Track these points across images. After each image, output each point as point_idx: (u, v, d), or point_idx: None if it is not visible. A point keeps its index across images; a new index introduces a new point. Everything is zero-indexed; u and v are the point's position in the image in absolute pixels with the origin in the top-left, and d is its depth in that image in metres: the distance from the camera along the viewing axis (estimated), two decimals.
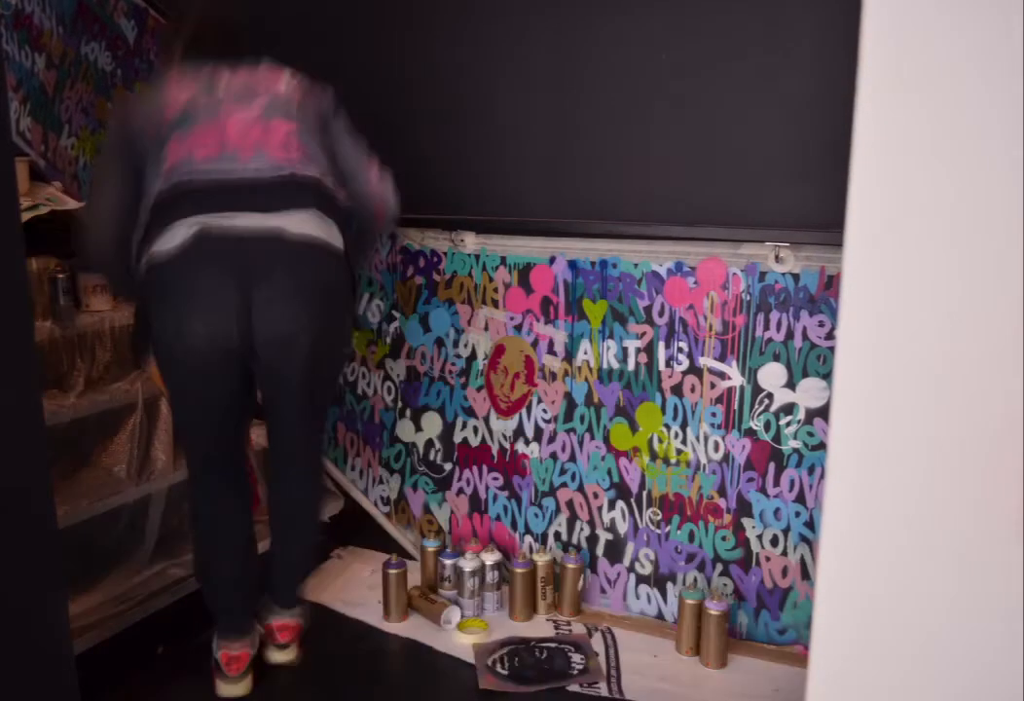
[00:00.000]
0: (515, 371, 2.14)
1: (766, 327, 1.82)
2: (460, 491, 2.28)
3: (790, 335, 1.80)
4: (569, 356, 2.05)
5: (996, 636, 0.75)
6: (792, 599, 1.90)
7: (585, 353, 2.03)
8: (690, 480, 1.96)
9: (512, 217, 2.09)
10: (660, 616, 2.06)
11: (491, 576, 2.08)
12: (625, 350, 1.98)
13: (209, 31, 1.86)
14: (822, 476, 1.83)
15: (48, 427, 2.02)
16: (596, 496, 2.09)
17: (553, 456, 2.13)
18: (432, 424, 2.29)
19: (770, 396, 1.85)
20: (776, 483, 1.87)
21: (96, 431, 2.18)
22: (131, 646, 1.88)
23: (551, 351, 2.08)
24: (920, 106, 0.70)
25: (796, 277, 1.78)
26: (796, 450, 1.84)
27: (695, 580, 1.99)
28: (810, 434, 1.82)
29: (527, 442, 2.16)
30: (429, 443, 2.31)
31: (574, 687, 1.80)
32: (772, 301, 1.81)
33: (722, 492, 1.93)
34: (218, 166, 1.61)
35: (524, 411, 2.14)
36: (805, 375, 1.80)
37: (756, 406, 1.86)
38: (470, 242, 2.12)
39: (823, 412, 1.79)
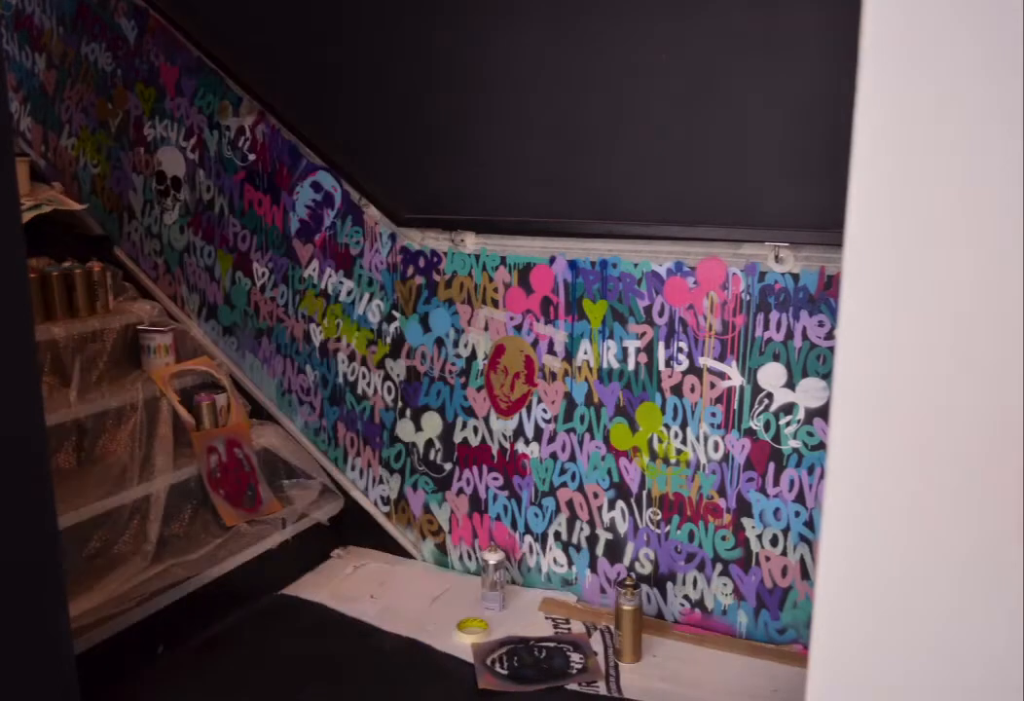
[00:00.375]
0: (515, 371, 2.14)
1: (766, 327, 1.83)
2: (460, 491, 2.29)
3: (790, 335, 1.81)
4: (569, 356, 2.05)
5: (996, 636, 0.75)
6: (792, 599, 1.91)
7: (585, 353, 2.03)
8: (690, 480, 1.97)
9: (512, 217, 2.09)
10: (660, 616, 2.06)
11: (496, 576, 2.09)
12: (625, 350, 1.98)
13: None
14: (822, 476, 1.83)
15: (55, 425, 2.04)
16: (596, 496, 2.09)
17: (553, 456, 2.13)
18: (432, 424, 2.30)
19: (770, 396, 1.85)
20: (776, 483, 1.87)
21: (97, 431, 2.18)
22: (131, 646, 1.88)
23: (551, 351, 2.08)
24: (920, 106, 0.70)
25: (796, 277, 1.78)
26: (796, 450, 1.84)
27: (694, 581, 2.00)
28: (810, 434, 1.82)
29: (527, 442, 2.16)
30: (429, 443, 2.31)
31: (573, 686, 1.80)
32: (772, 301, 1.81)
33: (722, 492, 1.93)
34: None
35: (524, 411, 2.14)
36: (805, 375, 1.81)
37: (756, 406, 1.86)
38: (470, 242, 2.12)
39: (823, 412, 1.79)
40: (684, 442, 1.95)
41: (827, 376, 1.78)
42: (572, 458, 2.10)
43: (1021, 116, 0.65)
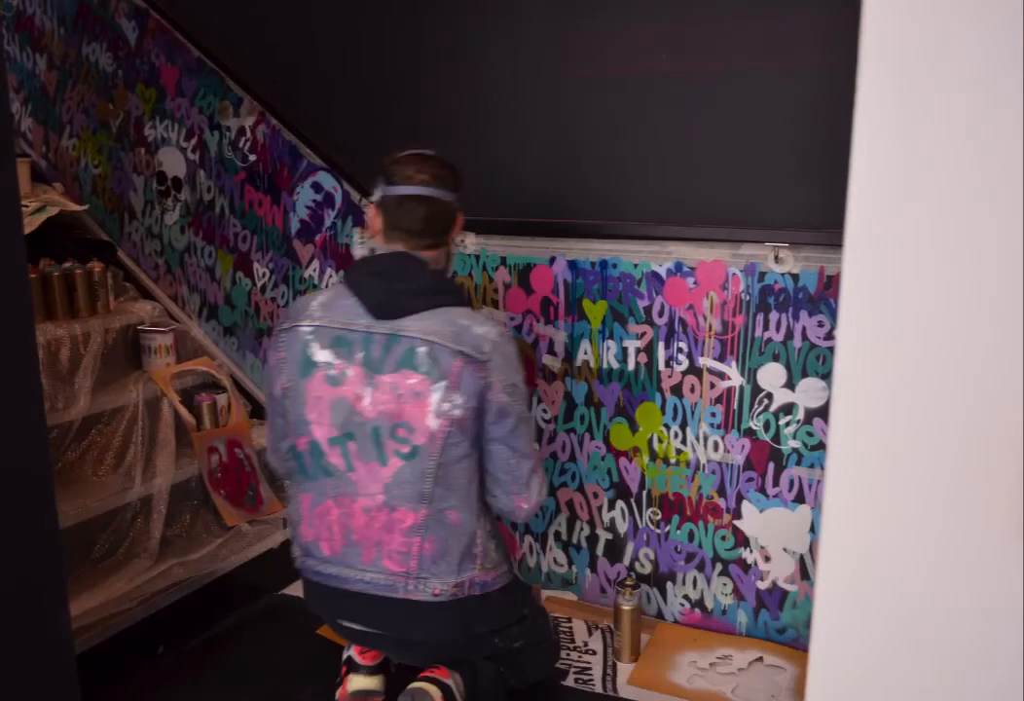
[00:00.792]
0: None
1: (765, 327, 1.83)
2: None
3: (789, 335, 1.81)
4: (569, 356, 2.05)
5: (997, 636, 0.75)
6: (792, 599, 1.91)
7: (585, 353, 2.03)
8: (690, 480, 1.97)
9: (512, 217, 2.10)
10: (660, 616, 2.06)
11: None
12: (625, 350, 1.98)
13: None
14: (821, 476, 1.84)
15: (55, 425, 2.04)
16: (596, 496, 2.09)
17: (553, 456, 2.13)
18: None
19: (769, 396, 1.85)
20: (776, 483, 1.88)
21: (98, 431, 2.19)
22: (132, 646, 1.88)
23: (551, 351, 2.08)
24: (920, 106, 0.71)
25: (796, 277, 1.78)
26: (795, 450, 1.84)
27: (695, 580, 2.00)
28: (809, 434, 1.82)
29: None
30: None
31: (569, 682, 1.80)
32: (772, 301, 1.81)
33: (722, 492, 1.93)
34: (338, 570, 1.55)
35: None
36: (804, 375, 1.81)
37: (756, 406, 1.87)
38: (470, 242, 2.13)
39: (823, 412, 1.79)
40: (684, 442, 1.96)
41: (827, 376, 1.78)
42: (572, 458, 2.10)
43: (1021, 115, 0.66)
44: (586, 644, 1.96)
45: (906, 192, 0.71)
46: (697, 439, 1.94)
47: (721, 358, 1.88)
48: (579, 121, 2.00)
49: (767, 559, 1.92)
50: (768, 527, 1.90)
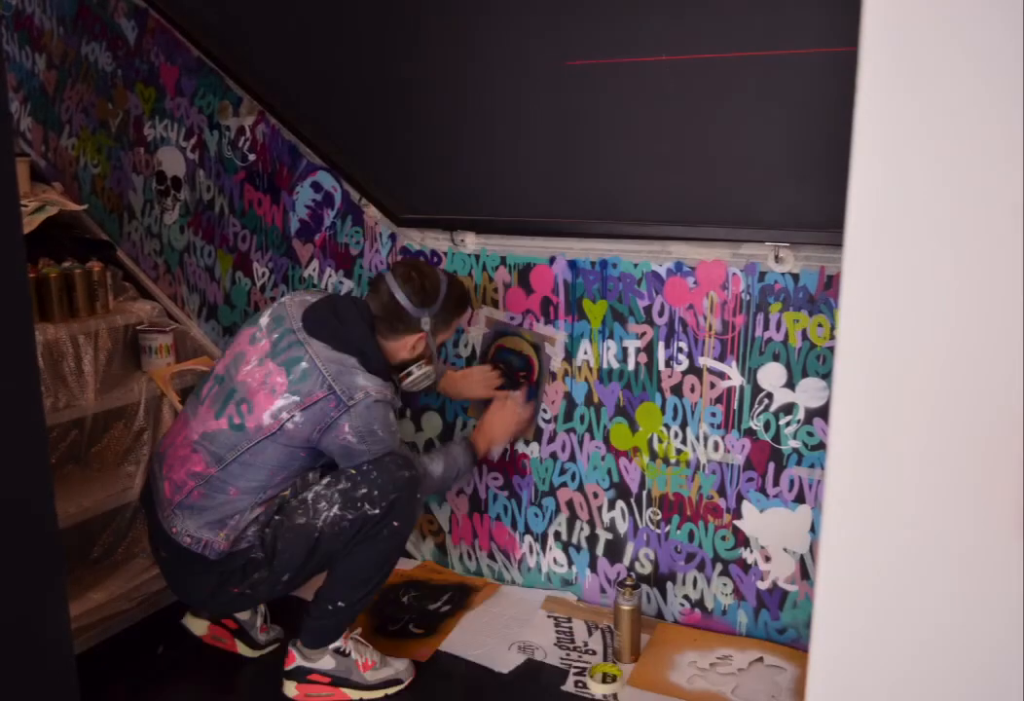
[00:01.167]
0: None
1: (766, 327, 1.83)
2: (460, 491, 2.29)
3: (790, 335, 1.81)
4: (569, 356, 2.05)
5: (996, 636, 0.75)
6: (792, 599, 1.91)
7: (585, 353, 2.03)
8: (690, 480, 1.97)
9: (512, 217, 2.09)
10: (660, 616, 2.06)
11: None
12: (625, 350, 1.98)
13: None
14: (821, 476, 1.83)
15: (56, 425, 2.04)
16: (596, 496, 2.09)
17: (553, 456, 2.13)
18: (432, 424, 2.30)
19: (770, 396, 1.85)
20: (776, 483, 1.87)
21: (99, 430, 2.19)
22: (132, 646, 1.88)
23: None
24: (920, 106, 0.71)
25: (796, 277, 1.78)
26: (796, 450, 1.84)
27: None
28: (810, 434, 1.82)
29: (527, 442, 2.16)
30: (429, 443, 2.31)
31: (568, 687, 1.80)
32: (772, 301, 1.81)
33: (722, 492, 1.93)
34: (159, 460, 1.82)
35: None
36: (805, 375, 1.81)
37: (756, 406, 1.86)
38: (470, 242, 2.12)
39: (823, 412, 1.79)
40: (684, 442, 1.95)
41: (827, 376, 1.78)
42: (572, 458, 2.10)
43: (1021, 115, 0.65)
44: (586, 644, 1.96)
45: (907, 191, 0.71)
46: (697, 439, 1.94)
47: (721, 358, 1.88)
48: (579, 120, 2.00)
49: (767, 559, 1.91)
50: (768, 527, 1.90)
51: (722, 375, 1.89)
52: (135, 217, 2.72)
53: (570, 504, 2.13)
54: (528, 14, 2.01)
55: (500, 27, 2.06)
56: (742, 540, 1.93)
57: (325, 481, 1.72)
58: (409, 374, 1.85)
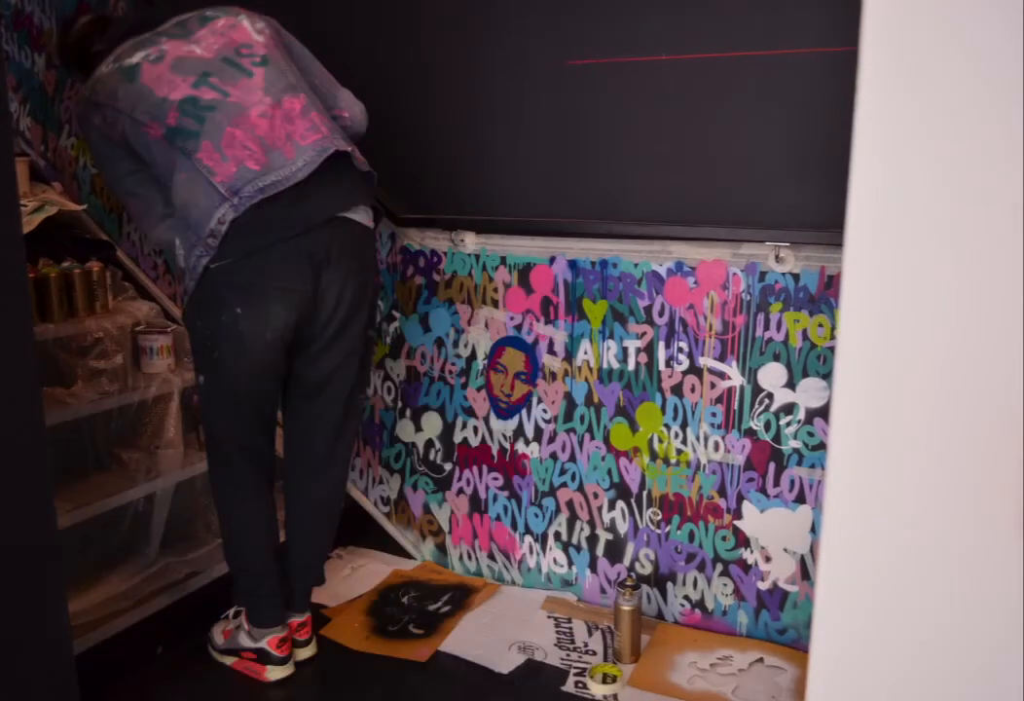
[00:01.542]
0: (515, 371, 2.14)
1: (766, 327, 1.82)
2: (460, 491, 2.28)
3: (790, 335, 1.80)
4: (569, 356, 2.05)
5: (997, 636, 0.75)
6: (792, 599, 1.91)
7: (585, 353, 2.03)
8: (690, 480, 1.97)
9: (512, 217, 2.09)
10: (660, 616, 2.06)
11: None
12: (625, 350, 1.98)
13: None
14: (822, 476, 1.83)
15: (52, 426, 2.03)
16: (596, 496, 2.09)
17: (553, 456, 2.13)
18: (432, 424, 2.30)
19: (770, 396, 1.85)
20: (776, 483, 1.87)
21: (100, 430, 2.18)
22: (131, 646, 1.88)
23: (551, 351, 2.08)
24: (920, 106, 0.70)
25: (796, 277, 1.78)
26: (796, 450, 1.84)
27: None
28: (810, 434, 1.82)
29: (527, 442, 2.16)
30: (429, 443, 2.31)
31: (568, 687, 1.80)
32: (772, 301, 1.81)
33: (722, 492, 1.93)
34: (275, 174, 1.64)
35: (524, 411, 2.14)
36: (805, 375, 1.80)
37: (756, 406, 1.86)
38: (470, 242, 2.12)
39: (823, 412, 1.79)
40: (684, 442, 1.95)
41: (827, 376, 1.78)
42: (572, 458, 2.10)
43: (1021, 115, 0.65)
44: (586, 645, 1.96)
45: (907, 191, 0.71)
46: (697, 439, 1.94)
47: (721, 358, 1.88)
48: (579, 120, 2.00)
49: (767, 559, 1.91)
50: (768, 527, 1.90)
51: (722, 375, 1.89)
52: None
53: (570, 504, 2.13)
54: (529, 14, 2.01)
55: (501, 27, 2.06)
56: (742, 540, 1.93)
57: None
58: None
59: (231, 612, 1.95)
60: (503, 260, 2.09)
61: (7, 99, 1.23)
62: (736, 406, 1.88)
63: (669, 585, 2.04)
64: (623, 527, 2.07)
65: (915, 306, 0.73)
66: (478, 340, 2.17)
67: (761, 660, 1.88)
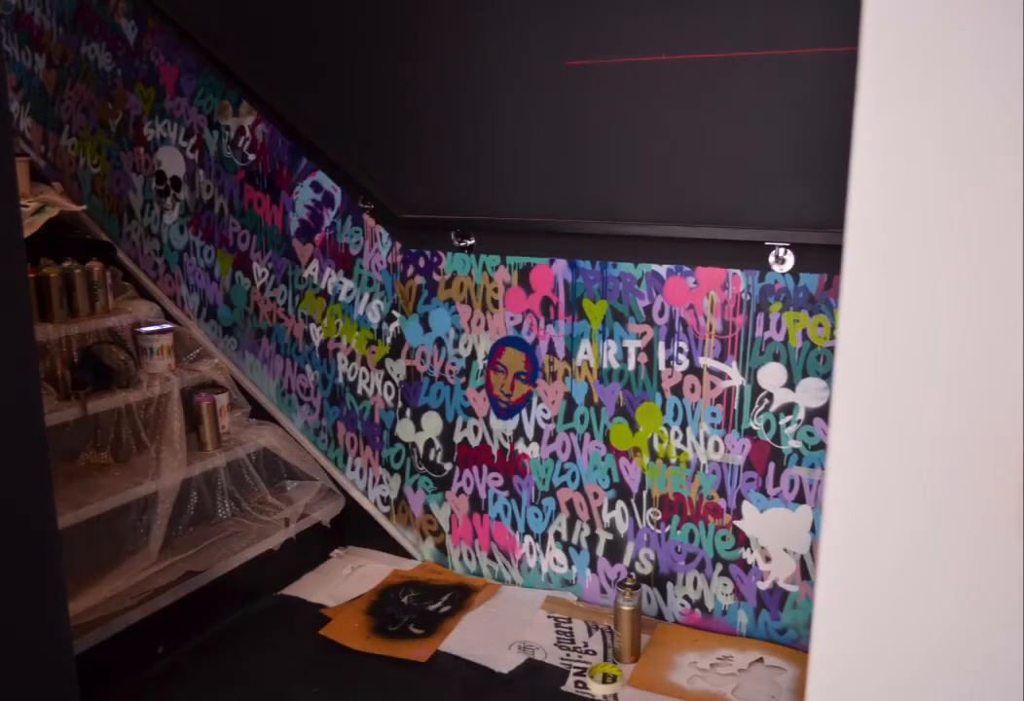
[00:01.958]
0: (515, 371, 2.14)
1: (766, 327, 1.82)
2: (460, 491, 2.29)
3: (790, 335, 1.80)
4: (569, 356, 2.05)
5: (997, 636, 0.75)
6: (792, 599, 1.91)
7: (585, 353, 2.03)
8: (690, 480, 1.96)
9: (512, 217, 2.09)
10: (660, 616, 2.06)
11: None
12: (625, 350, 1.98)
13: None
14: (822, 476, 1.83)
15: (55, 425, 2.04)
16: (596, 496, 2.09)
17: (553, 456, 2.13)
18: (432, 424, 2.30)
19: (770, 396, 1.85)
20: (776, 483, 1.87)
21: (102, 429, 2.19)
22: (132, 646, 1.88)
23: (551, 351, 2.07)
24: (920, 105, 0.70)
25: (796, 277, 1.78)
26: (796, 450, 1.84)
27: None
28: (810, 434, 1.82)
29: (527, 442, 2.16)
30: (429, 443, 2.31)
31: (568, 687, 1.80)
32: (772, 301, 1.81)
33: (722, 492, 1.93)
34: None
35: (524, 411, 2.14)
36: (805, 375, 1.80)
37: (756, 406, 1.86)
38: (470, 242, 2.12)
39: (823, 412, 1.79)
40: (684, 442, 1.95)
41: (827, 376, 1.78)
42: (572, 458, 2.10)
43: (1022, 113, 0.65)
44: (586, 644, 1.96)
45: (908, 191, 0.71)
46: (697, 439, 1.94)
47: (721, 358, 1.88)
48: (580, 120, 2.00)
49: (767, 559, 1.91)
50: (768, 527, 1.90)
51: (722, 375, 1.89)
52: (135, 217, 2.72)
53: (570, 504, 2.13)
54: (529, 15, 2.01)
55: (501, 27, 2.06)
56: (742, 540, 1.93)
57: None
58: None
59: None
60: (503, 260, 2.09)
61: (7, 99, 1.23)
62: (736, 406, 1.88)
63: (669, 585, 2.04)
64: (623, 527, 2.07)
65: (915, 306, 0.73)
66: (477, 341, 2.17)
67: (761, 660, 1.88)
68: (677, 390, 1.94)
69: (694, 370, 1.91)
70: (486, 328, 2.15)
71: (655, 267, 1.91)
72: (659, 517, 2.02)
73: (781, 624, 1.93)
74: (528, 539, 2.21)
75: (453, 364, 2.22)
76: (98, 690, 1.67)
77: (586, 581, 2.15)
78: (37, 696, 1.31)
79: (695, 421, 1.93)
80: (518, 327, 2.11)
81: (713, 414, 1.91)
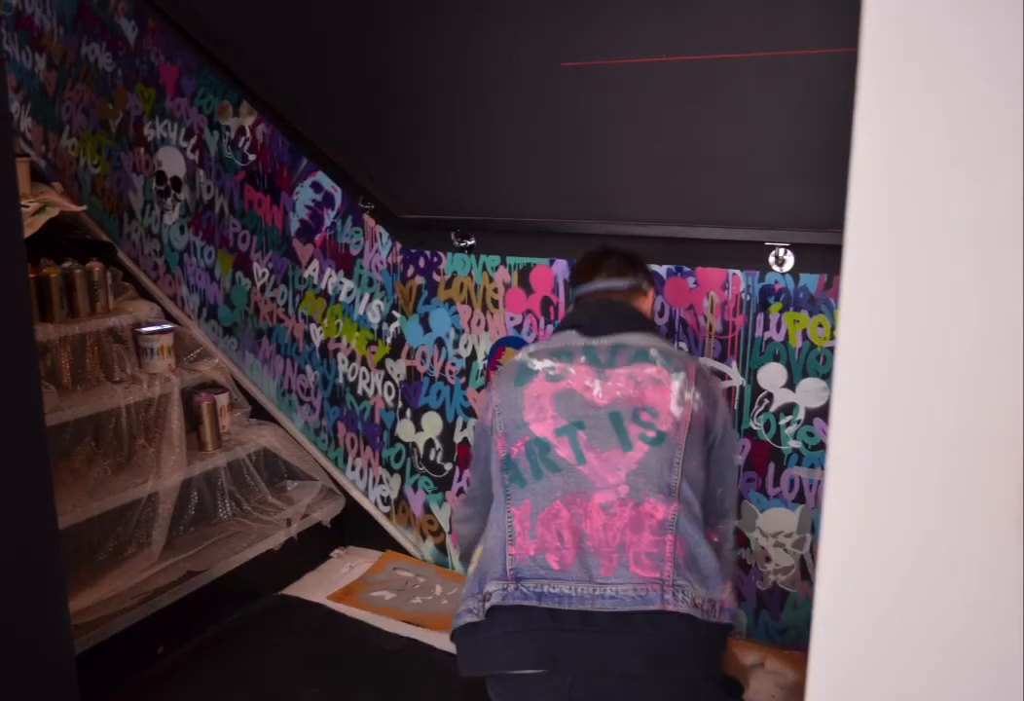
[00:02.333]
0: None
1: (766, 327, 1.83)
2: (460, 491, 2.28)
3: (790, 335, 1.80)
4: None
5: (998, 635, 0.75)
6: (792, 599, 1.91)
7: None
8: None
9: (512, 217, 2.09)
10: None
11: None
12: None
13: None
14: (822, 476, 1.83)
15: (55, 425, 2.04)
16: None
17: None
18: (432, 424, 2.30)
19: (770, 396, 1.85)
20: (776, 483, 1.87)
21: (103, 430, 2.19)
22: (132, 646, 1.88)
23: None
24: (921, 105, 0.70)
25: (796, 277, 1.78)
26: (796, 450, 1.84)
27: None
28: (810, 434, 1.82)
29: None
30: (429, 443, 2.31)
31: None
32: (772, 301, 1.81)
33: None
34: (571, 576, 1.23)
35: None
36: (805, 375, 1.80)
37: (756, 406, 1.86)
38: (470, 242, 2.12)
39: (823, 412, 1.79)
40: None
41: (827, 376, 1.78)
42: None
43: (1022, 113, 0.65)
44: None
45: (908, 191, 0.71)
46: None
47: (721, 358, 1.88)
48: (579, 121, 2.00)
49: (767, 559, 1.91)
50: (768, 527, 1.90)
51: (722, 375, 1.89)
52: (135, 217, 2.72)
53: None
54: (527, 15, 2.01)
55: (500, 28, 2.06)
56: (742, 540, 1.93)
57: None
58: None
59: None
60: (503, 260, 2.09)
61: (7, 99, 1.23)
62: (736, 406, 1.88)
63: None
64: None
65: (915, 306, 0.73)
66: (477, 341, 2.17)
67: (761, 660, 1.88)
68: None
69: None
70: (486, 328, 2.15)
71: (655, 267, 1.91)
72: None
73: (781, 624, 1.93)
74: None
75: (453, 364, 2.22)
76: (98, 690, 1.67)
77: None
78: (37, 696, 1.31)
79: None
80: (518, 327, 2.11)
81: None
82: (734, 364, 1.87)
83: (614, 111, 1.96)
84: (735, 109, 1.82)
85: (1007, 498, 0.70)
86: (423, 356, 2.27)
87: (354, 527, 2.47)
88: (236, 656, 1.92)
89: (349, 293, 2.34)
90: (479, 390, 2.20)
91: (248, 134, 2.42)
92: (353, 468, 2.47)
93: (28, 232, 2.33)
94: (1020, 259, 0.67)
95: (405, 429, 2.34)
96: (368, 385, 2.38)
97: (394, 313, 2.29)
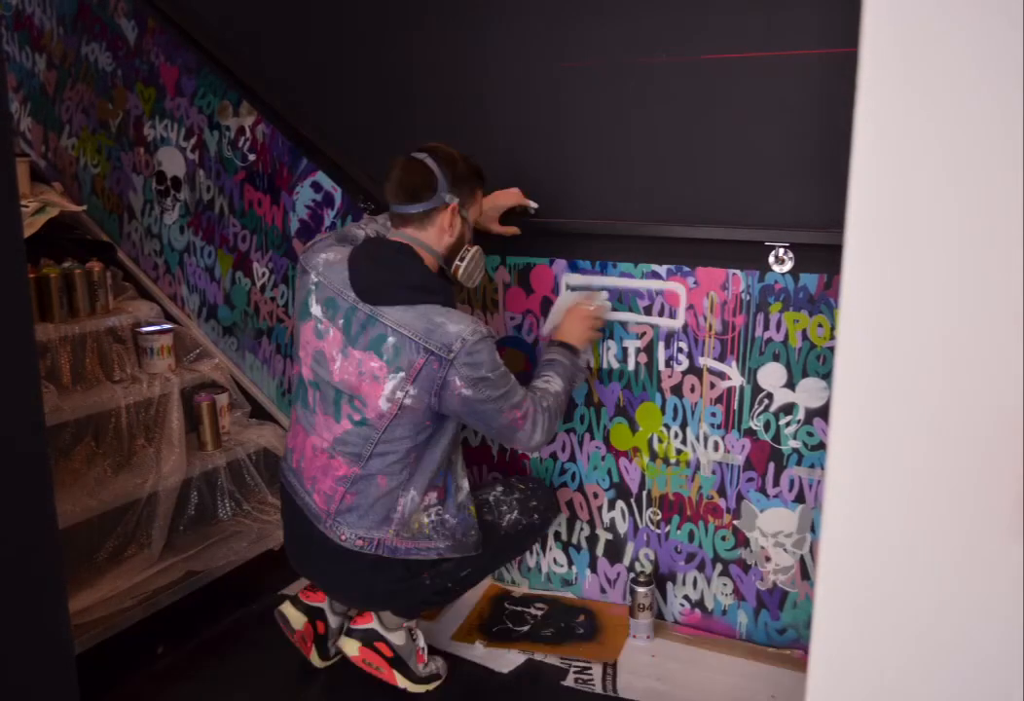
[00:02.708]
0: (515, 371, 2.13)
1: (766, 327, 1.83)
2: None
3: (789, 335, 1.80)
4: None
5: (996, 636, 0.75)
6: (792, 599, 1.91)
7: (585, 353, 2.03)
8: (690, 480, 1.97)
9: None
10: (660, 616, 2.06)
11: None
12: (625, 350, 1.98)
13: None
14: (821, 476, 1.83)
15: (55, 425, 2.04)
16: (596, 496, 2.09)
17: (553, 456, 2.13)
18: None
19: (770, 396, 1.85)
20: (776, 483, 1.87)
21: (103, 430, 2.19)
22: (132, 646, 1.88)
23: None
24: (920, 106, 0.71)
25: (796, 277, 1.78)
26: (796, 450, 1.84)
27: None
28: (810, 434, 1.82)
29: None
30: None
31: (568, 682, 1.80)
32: (772, 301, 1.81)
33: (722, 492, 1.93)
34: (293, 477, 1.82)
35: None
36: (805, 375, 1.81)
37: (756, 406, 1.86)
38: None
39: (823, 412, 1.79)
40: (684, 442, 1.95)
41: (827, 376, 1.78)
42: (572, 458, 2.10)
43: (1021, 115, 0.66)
44: None
45: (907, 191, 0.71)
46: (697, 439, 1.94)
47: (721, 358, 1.88)
48: (579, 121, 2.00)
49: (767, 559, 1.91)
50: (768, 527, 1.90)
51: (722, 375, 1.89)
52: (135, 217, 2.72)
53: (570, 504, 2.13)
54: (527, 15, 2.01)
55: (500, 29, 2.06)
56: (742, 540, 1.93)
57: (500, 488, 1.88)
58: (459, 267, 1.71)
59: (416, 634, 1.85)
60: (503, 260, 2.09)
61: (7, 99, 1.23)
62: (736, 406, 1.88)
63: (669, 585, 2.04)
64: (623, 527, 2.07)
65: (914, 306, 0.73)
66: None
67: (761, 660, 1.88)
68: (677, 390, 1.94)
69: (694, 370, 1.91)
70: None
71: (655, 267, 1.91)
72: (659, 517, 2.02)
73: (781, 624, 1.93)
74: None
75: None
76: (98, 690, 1.67)
77: (586, 581, 2.15)
78: (37, 696, 1.31)
79: (695, 421, 1.93)
80: (518, 327, 2.11)
81: (713, 414, 1.91)
82: (734, 364, 1.87)
83: (614, 111, 1.95)
84: (735, 109, 1.82)
85: (1007, 497, 0.70)
86: None
87: None
88: (236, 656, 1.92)
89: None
90: None
91: (248, 134, 2.42)
92: None
93: (28, 232, 2.33)
94: (1020, 259, 0.67)
95: None
96: None
97: None
